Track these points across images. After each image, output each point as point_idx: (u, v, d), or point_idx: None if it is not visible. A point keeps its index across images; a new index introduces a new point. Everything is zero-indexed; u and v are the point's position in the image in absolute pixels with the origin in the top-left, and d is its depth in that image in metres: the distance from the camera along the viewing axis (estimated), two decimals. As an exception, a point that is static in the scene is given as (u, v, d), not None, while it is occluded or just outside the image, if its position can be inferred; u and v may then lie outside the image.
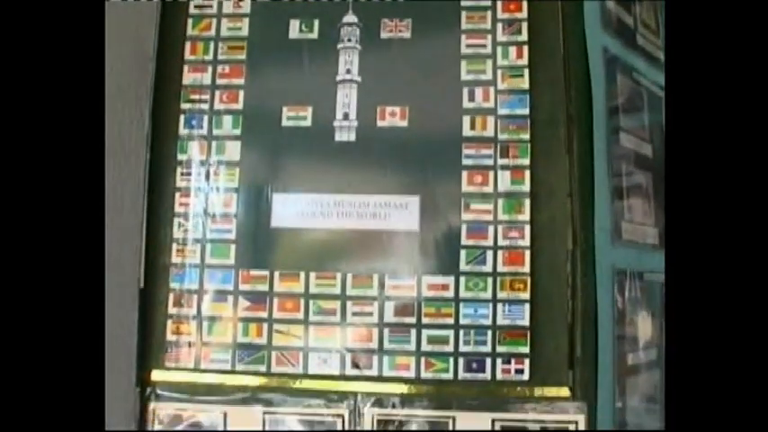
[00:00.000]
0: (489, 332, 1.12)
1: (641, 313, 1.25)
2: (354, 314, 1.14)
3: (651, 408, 1.29)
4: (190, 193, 1.19)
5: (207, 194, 1.18)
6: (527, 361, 1.12)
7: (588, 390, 1.12)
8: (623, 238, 1.21)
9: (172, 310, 1.17)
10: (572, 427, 1.11)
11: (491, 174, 1.14)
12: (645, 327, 1.26)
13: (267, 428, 1.14)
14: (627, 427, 1.22)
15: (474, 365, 1.12)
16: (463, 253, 1.13)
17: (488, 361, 1.12)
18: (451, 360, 1.12)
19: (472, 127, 1.15)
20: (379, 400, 1.13)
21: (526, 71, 1.16)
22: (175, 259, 1.18)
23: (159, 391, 1.16)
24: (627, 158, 1.25)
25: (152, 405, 1.16)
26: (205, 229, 1.18)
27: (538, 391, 1.12)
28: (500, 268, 1.13)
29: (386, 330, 1.13)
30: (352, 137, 1.17)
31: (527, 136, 1.15)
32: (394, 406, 1.12)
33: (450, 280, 1.13)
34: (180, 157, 1.20)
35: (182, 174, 1.19)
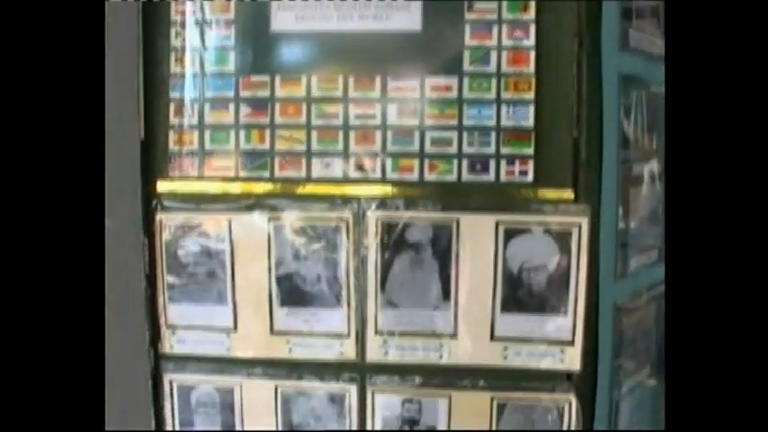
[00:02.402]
0: (493, 133, 1.11)
1: (647, 123, 1.23)
2: (357, 117, 1.13)
3: (653, 229, 1.30)
4: (186, 1, 1.16)
5: (203, 1, 1.15)
6: (531, 162, 1.11)
7: (592, 193, 1.12)
8: (630, 45, 1.19)
9: (173, 120, 1.16)
10: (575, 229, 1.12)
11: (495, -29, 1.11)
12: (650, 138, 1.25)
13: (272, 234, 1.15)
14: (628, 244, 1.23)
15: (478, 167, 1.12)
16: (467, 53, 1.11)
17: (492, 162, 1.11)
18: (455, 162, 1.12)
19: None
20: (383, 203, 1.13)
21: None
22: (174, 69, 1.16)
23: (165, 202, 1.17)
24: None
25: (159, 216, 1.18)
26: (203, 36, 1.15)
27: (542, 193, 1.12)
28: (504, 69, 1.11)
29: (389, 133, 1.12)
30: (351, -65, 1.13)
31: (532, -69, 1.11)
32: (398, 209, 1.13)
33: (454, 81, 1.11)
34: (174, -37, 1.16)
35: (177, -19, 1.16)
